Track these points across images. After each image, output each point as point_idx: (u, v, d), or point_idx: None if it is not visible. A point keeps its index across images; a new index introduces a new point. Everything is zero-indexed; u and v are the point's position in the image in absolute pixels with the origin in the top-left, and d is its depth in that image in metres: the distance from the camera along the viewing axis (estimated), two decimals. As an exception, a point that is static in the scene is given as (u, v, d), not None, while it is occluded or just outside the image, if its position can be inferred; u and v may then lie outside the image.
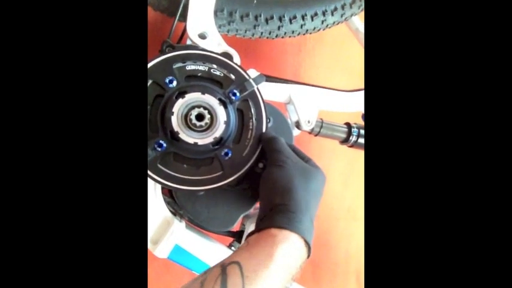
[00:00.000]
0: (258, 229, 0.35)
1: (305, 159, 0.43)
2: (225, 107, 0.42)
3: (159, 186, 0.48)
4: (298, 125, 0.56)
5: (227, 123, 0.42)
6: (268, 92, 0.55)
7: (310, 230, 0.36)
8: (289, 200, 0.36)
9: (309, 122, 0.55)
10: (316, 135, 0.58)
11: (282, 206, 0.35)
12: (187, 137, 0.41)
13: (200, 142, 0.41)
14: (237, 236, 0.54)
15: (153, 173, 0.41)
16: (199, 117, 0.42)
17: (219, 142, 0.42)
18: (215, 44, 0.50)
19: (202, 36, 0.50)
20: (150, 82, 0.42)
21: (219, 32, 0.51)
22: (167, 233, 0.46)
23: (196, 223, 0.48)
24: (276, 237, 0.33)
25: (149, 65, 0.42)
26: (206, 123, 0.42)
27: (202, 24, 0.50)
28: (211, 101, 0.42)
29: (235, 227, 0.50)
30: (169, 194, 0.49)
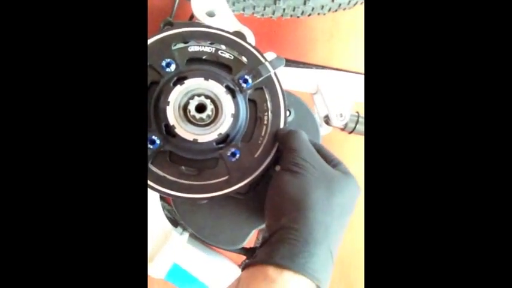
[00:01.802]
0: (254, 261, 0.27)
1: (333, 162, 0.34)
2: (234, 96, 0.36)
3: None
4: (327, 120, 0.50)
5: (235, 116, 0.36)
6: (290, 79, 0.49)
7: (327, 268, 0.27)
8: (300, 222, 0.27)
9: (341, 116, 0.49)
10: (350, 132, 0.51)
11: (287, 231, 0.27)
12: (186, 132, 0.35)
13: (201, 139, 0.35)
14: (250, 253, 0.46)
15: (143, 175, 0.35)
16: (200, 108, 0.36)
17: (225, 140, 0.36)
18: (225, 22, 0.44)
19: (210, 14, 0.45)
20: None
21: (233, 10, 0.47)
22: (164, 249, 0.40)
23: (199, 238, 0.41)
24: (273, 283, 0.25)
25: None
26: (209, 116, 0.36)
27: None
28: (216, 88, 0.36)
29: (248, 243, 0.42)
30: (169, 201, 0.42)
